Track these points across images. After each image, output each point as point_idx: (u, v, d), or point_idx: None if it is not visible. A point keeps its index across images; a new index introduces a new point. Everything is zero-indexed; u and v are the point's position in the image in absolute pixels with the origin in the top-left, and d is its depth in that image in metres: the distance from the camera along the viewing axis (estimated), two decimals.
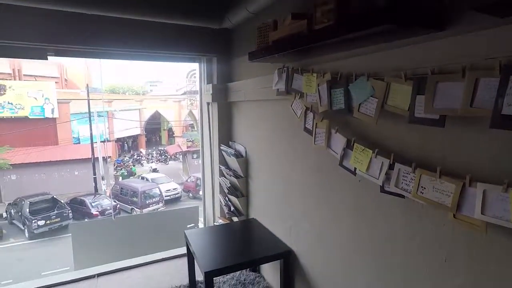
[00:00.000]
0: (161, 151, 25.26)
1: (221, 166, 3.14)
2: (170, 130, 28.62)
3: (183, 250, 3.08)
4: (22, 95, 17.77)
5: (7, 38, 2.34)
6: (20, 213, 12.59)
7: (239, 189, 2.90)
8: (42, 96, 18.32)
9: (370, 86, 1.29)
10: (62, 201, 13.45)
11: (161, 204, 14.62)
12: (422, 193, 1.13)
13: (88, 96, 17.28)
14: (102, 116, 18.85)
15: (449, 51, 1.07)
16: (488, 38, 0.95)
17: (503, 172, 0.95)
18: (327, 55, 1.68)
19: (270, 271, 2.62)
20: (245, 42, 2.79)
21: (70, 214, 12.89)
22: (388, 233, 1.41)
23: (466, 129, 1.06)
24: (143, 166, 22.61)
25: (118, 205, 14.04)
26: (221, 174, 3.15)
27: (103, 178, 17.25)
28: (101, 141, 17.73)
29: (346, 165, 1.52)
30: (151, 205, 14.23)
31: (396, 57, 1.27)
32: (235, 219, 2.99)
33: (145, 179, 17.20)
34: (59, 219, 12.50)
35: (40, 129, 17.58)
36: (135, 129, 24.56)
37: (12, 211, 13.26)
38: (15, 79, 21.17)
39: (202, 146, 3.57)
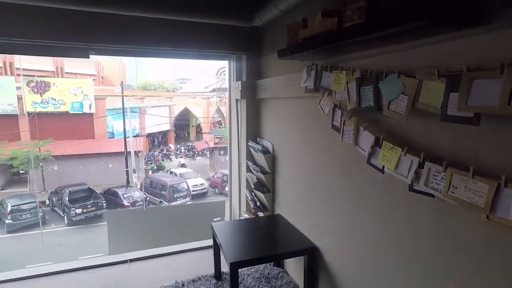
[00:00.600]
0: (189, 147, 25.96)
1: (248, 161, 3.21)
2: (198, 127, 29.28)
3: (209, 242, 3.17)
4: (64, 92, 19.02)
5: (53, 39, 2.54)
6: (60, 201, 13.54)
7: (265, 185, 2.95)
8: (81, 93, 19.49)
9: (401, 84, 1.28)
10: (97, 191, 14.28)
11: (188, 199, 15.07)
12: (454, 192, 1.11)
13: (122, 92, 18.15)
14: (135, 112, 19.73)
15: (486, 47, 1.04)
16: None
17: None
18: (357, 52, 1.68)
19: (294, 267, 2.65)
20: (274, 40, 2.82)
21: (104, 204, 13.65)
22: (416, 232, 1.40)
23: (502, 128, 1.02)
24: (171, 161, 23.36)
25: (148, 198, 14.65)
26: (248, 170, 3.22)
27: (134, 171, 18.08)
28: (133, 136, 18.57)
29: (374, 163, 1.51)
30: (178, 199, 14.71)
31: (429, 54, 1.25)
32: (261, 214, 3.05)
33: (173, 173, 17.78)
34: (94, 208, 13.30)
35: (79, 124, 18.73)
36: (165, 125, 25.42)
37: (54, 199, 14.29)
38: (58, 77, 22.69)
39: (230, 142, 3.66)
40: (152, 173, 19.08)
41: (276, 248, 2.40)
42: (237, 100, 3.36)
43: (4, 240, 11.78)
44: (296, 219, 2.58)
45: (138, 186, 16.71)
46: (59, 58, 22.27)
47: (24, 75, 18.04)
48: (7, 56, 20.23)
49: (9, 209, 12.27)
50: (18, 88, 17.91)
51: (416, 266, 1.41)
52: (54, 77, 21.95)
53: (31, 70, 19.75)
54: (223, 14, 2.68)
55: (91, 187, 14.33)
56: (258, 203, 3.07)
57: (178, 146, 26.69)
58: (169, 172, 18.44)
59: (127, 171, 17.57)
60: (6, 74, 21.00)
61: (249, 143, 3.18)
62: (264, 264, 2.82)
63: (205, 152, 24.08)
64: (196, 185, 16.29)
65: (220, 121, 26.03)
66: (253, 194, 3.17)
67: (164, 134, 27.62)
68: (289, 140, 2.64)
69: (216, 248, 2.62)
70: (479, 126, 1.03)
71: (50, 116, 17.93)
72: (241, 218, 3.42)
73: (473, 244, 1.14)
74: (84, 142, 17.93)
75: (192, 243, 3.31)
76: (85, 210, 12.99)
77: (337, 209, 2.00)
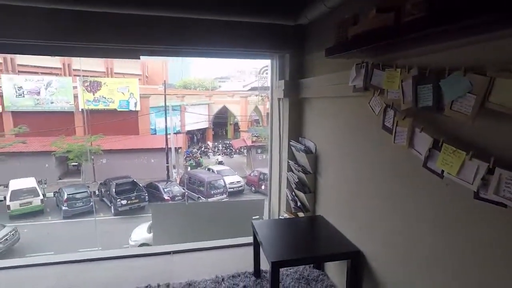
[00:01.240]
0: (227, 145, 26.48)
1: (289, 161, 3.18)
2: (236, 125, 29.78)
3: (248, 239, 3.20)
4: (113, 91, 20.45)
5: (105, 41, 2.71)
6: (108, 192, 14.58)
7: (306, 185, 2.91)
8: (128, 91, 20.81)
9: (468, 82, 1.18)
10: (140, 184, 15.14)
11: (224, 195, 15.39)
12: None
13: (165, 91, 19.02)
14: (176, 110, 20.57)
15: None
16: None
17: None
18: (413, 49, 1.58)
19: (335, 270, 2.58)
20: (319, 38, 2.76)
21: (147, 197, 14.44)
22: (481, 244, 1.28)
23: None
24: (209, 158, 24.01)
25: (187, 193, 15.21)
26: (289, 169, 3.19)
27: (174, 167, 18.88)
28: (174, 133, 19.40)
29: (432, 167, 1.41)
30: (215, 195, 15.09)
31: (501, 49, 1.13)
32: (301, 214, 3.01)
33: (211, 170, 18.27)
34: (137, 200, 14.13)
35: (125, 121, 20.00)
36: (204, 123, 26.21)
37: (102, 189, 15.44)
38: (107, 77, 24.40)
39: (271, 141, 3.66)
40: (191, 169, 19.78)
41: (318, 250, 2.35)
42: (279, 99, 3.34)
43: (61, 225, 13.04)
44: (339, 222, 2.51)
45: (178, 181, 17.42)
46: (108, 59, 23.97)
47: (78, 75, 19.69)
48: (65, 58, 22.24)
49: (65, 197, 13.51)
50: (73, 87, 19.64)
51: (480, 284, 1.29)
52: (104, 77, 23.68)
53: (84, 71, 21.50)
54: (268, 13, 2.69)
55: (135, 180, 15.23)
56: (298, 203, 3.03)
57: (216, 143, 27.37)
58: (207, 169, 18.99)
59: (167, 167, 18.42)
60: (65, 75, 23.06)
61: (291, 142, 3.15)
62: (303, 265, 2.78)
63: (242, 150, 24.41)
64: (232, 182, 16.59)
65: (257, 119, 26.21)
66: (293, 193, 3.14)
67: (202, 131, 28.49)
68: (333, 140, 2.58)
69: (256, 245, 2.64)
70: None
71: (100, 113, 19.37)
72: (280, 217, 3.41)
73: None
74: (129, 138, 19.11)
75: (231, 239, 3.37)
76: (129, 202, 13.87)
77: (387, 213, 1.91)
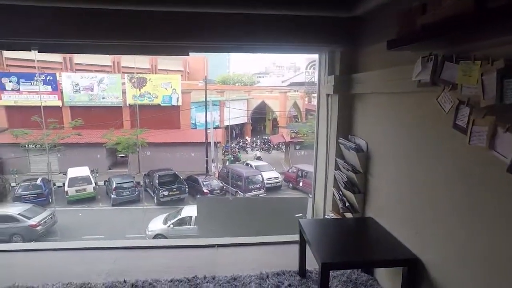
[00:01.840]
0: (265, 140, 26.57)
1: (337, 159, 3.06)
2: (274, 120, 29.72)
3: (292, 237, 3.15)
4: (157, 86, 21.46)
5: (153, 39, 2.76)
6: (151, 183, 15.40)
7: (356, 185, 2.78)
8: (171, 87, 21.70)
9: None
10: (181, 177, 15.75)
11: (262, 191, 15.46)
12: None
13: (205, 87, 19.52)
14: (216, 105, 21.02)
15: None
16: None
17: None
18: (497, 38, 1.40)
19: (387, 277, 2.44)
20: (376, 30, 2.58)
21: (187, 189, 15.00)
22: None
23: None
24: (247, 153, 24.28)
25: (225, 187, 15.53)
26: (337, 168, 3.08)
27: (213, 161, 19.38)
28: (213, 128, 19.87)
29: None
30: (253, 190, 15.22)
31: None
32: (349, 215, 2.89)
33: (249, 165, 18.46)
34: (178, 192, 14.76)
35: (168, 115, 20.90)
36: (242, 118, 26.50)
37: (146, 180, 16.34)
38: (152, 73, 25.63)
39: (317, 137, 3.55)
40: (229, 163, 20.16)
41: (370, 254, 2.24)
42: (328, 95, 3.22)
43: (110, 212, 14.15)
44: (392, 225, 2.36)
45: (216, 175, 17.84)
46: (153, 56, 25.16)
47: (125, 72, 20.97)
48: (116, 56, 23.79)
49: (114, 186, 14.56)
50: (122, 83, 20.94)
51: None
52: (149, 73, 24.91)
53: (131, 68, 22.79)
54: (322, 6, 2.58)
55: (176, 172, 15.89)
56: (347, 203, 2.91)
57: (254, 139, 27.59)
58: (245, 164, 19.22)
59: (206, 161, 18.96)
60: (114, 72, 24.68)
61: (339, 140, 3.03)
62: (352, 269, 2.67)
63: (280, 146, 24.33)
64: (270, 178, 16.61)
65: (296, 115, 25.91)
66: (340, 193, 3.02)
67: (241, 126, 28.84)
68: (388, 139, 2.42)
69: (303, 244, 2.58)
70: None
71: (145, 108, 20.45)
72: (326, 217, 3.31)
73: None
74: (171, 132, 19.95)
75: (275, 236, 3.34)
76: (170, 193, 14.54)
77: (450, 219, 1.74)
